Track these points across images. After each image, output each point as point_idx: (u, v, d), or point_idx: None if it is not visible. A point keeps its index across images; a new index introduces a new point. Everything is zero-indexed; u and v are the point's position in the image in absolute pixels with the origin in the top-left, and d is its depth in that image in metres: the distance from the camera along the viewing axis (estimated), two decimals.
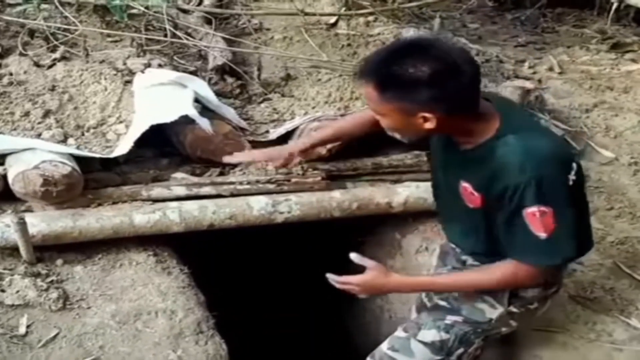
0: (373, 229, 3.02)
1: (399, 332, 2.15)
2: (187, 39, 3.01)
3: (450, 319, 2.09)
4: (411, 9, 3.84)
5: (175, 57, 2.94)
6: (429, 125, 1.73)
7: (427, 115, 1.71)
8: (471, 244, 2.06)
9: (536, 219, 1.75)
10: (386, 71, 1.69)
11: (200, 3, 3.40)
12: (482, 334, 2.10)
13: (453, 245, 2.18)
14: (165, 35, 2.95)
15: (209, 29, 3.15)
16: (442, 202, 2.16)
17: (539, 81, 3.61)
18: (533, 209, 1.74)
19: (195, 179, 2.59)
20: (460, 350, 2.09)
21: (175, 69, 2.85)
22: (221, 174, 2.64)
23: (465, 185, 1.89)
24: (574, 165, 1.80)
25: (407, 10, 3.80)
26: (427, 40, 1.79)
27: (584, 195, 1.93)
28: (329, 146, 2.74)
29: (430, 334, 2.09)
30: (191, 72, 2.87)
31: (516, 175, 1.74)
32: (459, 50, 1.75)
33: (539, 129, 1.99)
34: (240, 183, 2.60)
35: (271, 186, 2.62)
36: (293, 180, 2.65)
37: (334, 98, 2.87)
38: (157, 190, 2.52)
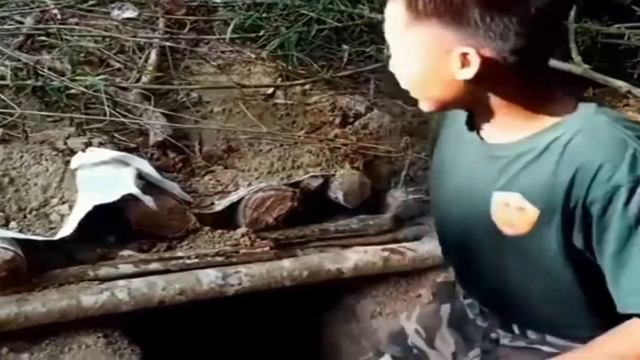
0: (326, 295, 3.03)
1: None
2: (126, 117, 3.02)
3: None
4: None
5: (116, 135, 2.94)
6: (465, 73, 1.18)
7: (468, 51, 1.16)
8: (522, 309, 1.41)
9: None
10: None
11: (138, 80, 3.42)
12: None
13: (475, 313, 1.55)
14: (105, 114, 2.96)
15: (148, 105, 3.17)
16: (453, 242, 1.52)
17: None
18: None
19: (143, 256, 2.57)
20: None
21: (117, 146, 2.85)
22: (169, 248, 2.63)
23: (504, 197, 1.29)
24: None
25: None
26: None
27: None
28: (275, 214, 2.79)
29: None
30: (133, 149, 2.87)
31: (624, 171, 1.15)
32: None
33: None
34: (189, 257, 2.59)
35: (220, 259, 2.62)
36: (241, 251, 2.66)
37: (276, 168, 2.92)
38: (105, 270, 2.48)
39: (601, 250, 1.21)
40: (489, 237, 1.35)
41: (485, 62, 1.16)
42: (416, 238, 2.99)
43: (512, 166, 1.27)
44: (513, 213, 1.27)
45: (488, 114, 1.28)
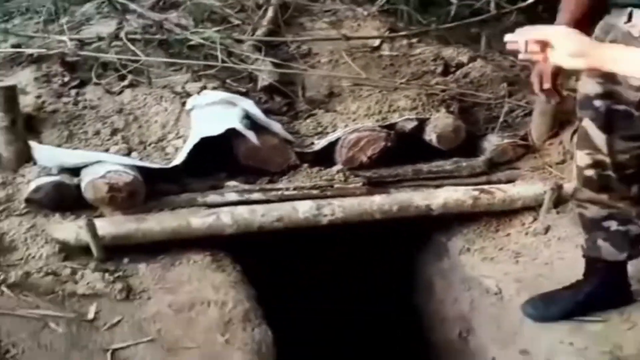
0: (421, 233, 3.16)
1: None
2: (237, 64, 3.29)
3: None
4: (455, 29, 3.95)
5: (227, 81, 3.22)
6: None
7: None
8: None
9: None
10: None
11: (253, 34, 3.68)
12: None
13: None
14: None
15: (260, 55, 3.42)
16: None
17: None
18: None
19: (247, 186, 2.83)
20: None
21: (228, 90, 3.13)
22: (270, 181, 2.88)
23: None
24: None
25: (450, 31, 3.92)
26: None
27: None
28: (369, 153, 2.96)
29: None
30: (242, 93, 3.14)
31: None
32: None
33: None
34: (287, 189, 2.82)
35: (315, 192, 2.83)
36: (336, 186, 2.85)
37: (373, 111, 3.07)
38: (212, 197, 2.77)
39: None
40: None
41: None
42: (509, 181, 3.05)
43: None
44: None
45: None
